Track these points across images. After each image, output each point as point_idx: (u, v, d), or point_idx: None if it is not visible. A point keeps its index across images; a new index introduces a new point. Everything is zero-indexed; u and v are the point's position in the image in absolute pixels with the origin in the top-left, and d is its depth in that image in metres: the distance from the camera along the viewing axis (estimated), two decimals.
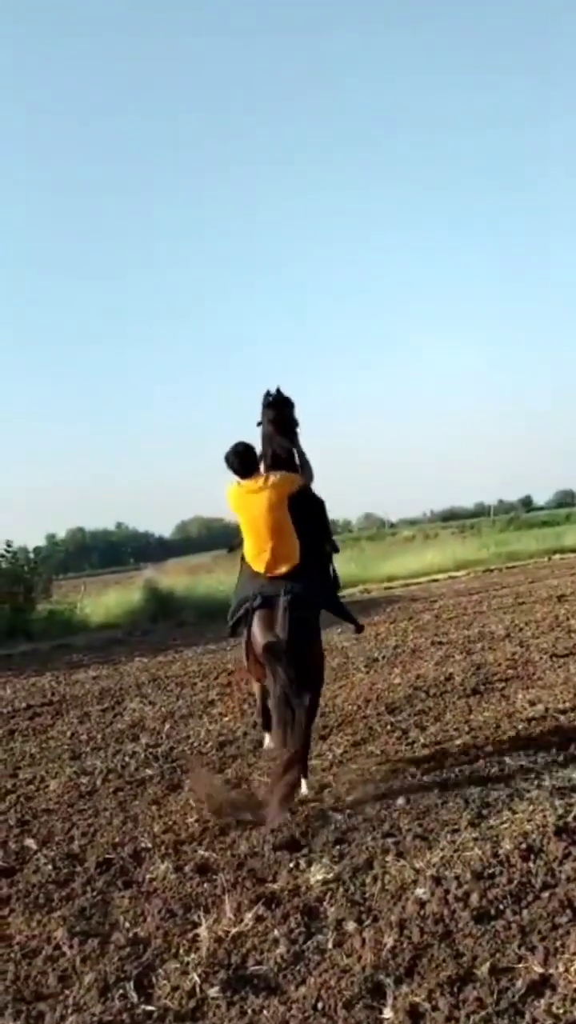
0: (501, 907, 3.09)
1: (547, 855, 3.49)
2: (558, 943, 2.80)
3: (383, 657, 8.85)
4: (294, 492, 4.65)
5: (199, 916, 3.23)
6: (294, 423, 4.92)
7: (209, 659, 10.38)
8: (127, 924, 3.29)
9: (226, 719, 6.83)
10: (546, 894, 3.17)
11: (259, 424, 4.87)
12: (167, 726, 6.83)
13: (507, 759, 4.85)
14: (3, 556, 15.82)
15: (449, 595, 15.25)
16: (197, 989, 2.73)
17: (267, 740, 5.10)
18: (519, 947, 2.80)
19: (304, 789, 4.57)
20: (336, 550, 5.14)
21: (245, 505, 4.65)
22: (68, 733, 7.03)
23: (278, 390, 4.88)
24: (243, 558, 4.84)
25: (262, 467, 4.77)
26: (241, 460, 4.67)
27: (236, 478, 4.70)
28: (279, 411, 4.84)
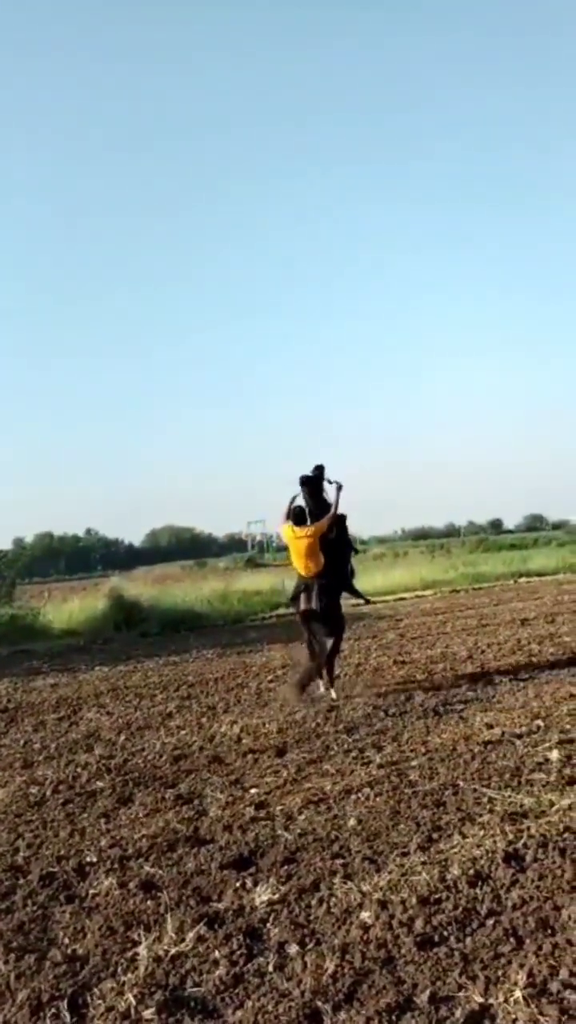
0: (445, 933, 3.06)
1: (494, 881, 3.47)
2: (499, 972, 2.77)
3: (345, 676, 8.82)
4: (324, 530, 7.54)
5: (140, 934, 3.17)
6: (320, 488, 7.77)
7: (170, 671, 10.29)
8: (66, 940, 3.22)
9: (183, 732, 6.75)
10: (491, 921, 3.14)
11: (302, 485, 7.73)
12: (122, 737, 6.75)
13: (461, 783, 4.84)
14: None
15: (415, 614, 15.29)
16: (132, 1010, 2.67)
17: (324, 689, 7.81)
18: (460, 975, 2.77)
19: (333, 694, 7.62)
20: (356, 551, 8.49)
21: (293, 540, 7.65)
22: (21, 741, 6.91)
23: (307, 476, 7.72)
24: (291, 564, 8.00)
25: (309, 518, 7.70)
26: (297, 518, 7.67)
27: (291, 523, 7.64)
28: (313, 486, 7.74)
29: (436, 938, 3.04)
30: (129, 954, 3.05)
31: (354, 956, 2.92)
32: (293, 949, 3.01)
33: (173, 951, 3.03)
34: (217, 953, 3.00)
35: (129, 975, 2.89)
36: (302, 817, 4.44)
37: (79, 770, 5.81)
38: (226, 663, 10.53)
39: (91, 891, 3.67)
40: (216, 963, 2.94)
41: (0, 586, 16.31)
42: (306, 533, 7.50)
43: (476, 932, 3.07)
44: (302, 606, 7.63)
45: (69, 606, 17.14)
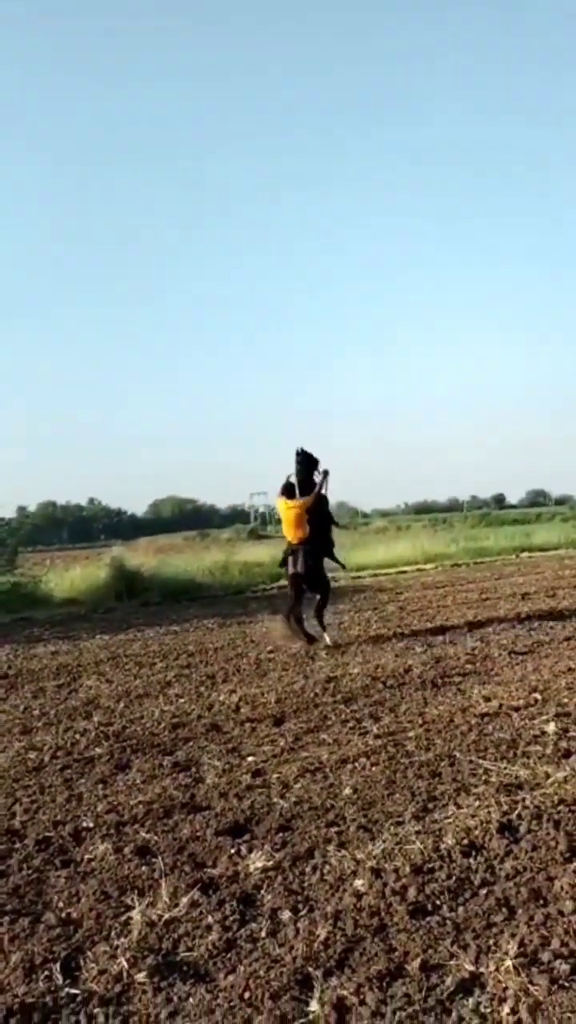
0: (438, 902, 3.07)
1: (488, 852, 3.48)
2: (491, 942, 2.78)
3: (344, 646, 8.83)
4: (309, 505, 8.85)
5: (133, 899, 3.19)
6: (312, 467, 9.03)
7: (170, 640, 10.31)
8: (60, 904, 3.23)
9: (181, 700, 6.77)
10: (484, 891, 3.15)
11: (295, 464, 8.99)
12: (121, 705, 6.77)
13: (457, 753, 4.85)
14: None
15: (415, 587, 15.29)
16: (124, 974, 2.69)
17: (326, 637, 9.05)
18: (452, 944, 2.78)
19: (327, 639, 8.96)
20: (336, 523, 9.87)
21: (285, 511, 9.01)
22: (21, 707, 6.94)
23: (302, 449, 8.97)
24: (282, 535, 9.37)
25: (297, 491, 8.98)
26: (289, 491, 9.01)
27: (284, 497, 9.02)
28: (303, 463, 8.99)
29: (429, 907, 3.05)
30: (123, 918, 3.06)
31: (346, 923, 2.93)
32: (286, 915, 3.02)
33: (166, 916, 3.04)
34: (210, 919, 3.02)
35: (122, 939, 2.91)
36: (298, 785, 4.45)
37: (77, 736, 5.83)
38: (226, 633, 10.54)
39: (86, 856, 3.69)
40: (209, 928, 2.95)
41: (2, 554, 16.28)
42: (296, 504, 8.87)
43: (468, 902, 3.08)
44: (291, 570, 9.01)
45: (71, 575, 17.13)
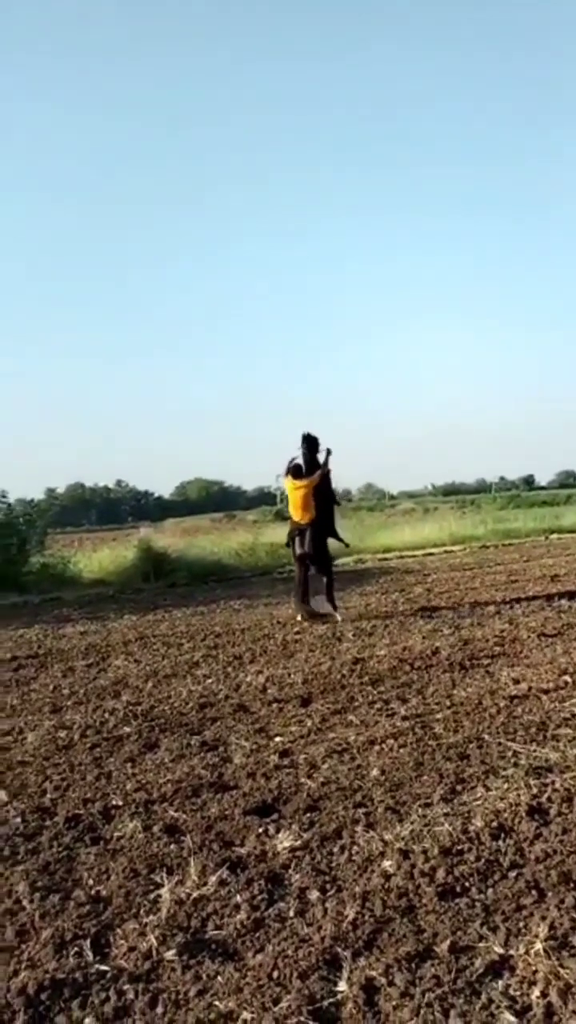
0: (467, 884, 3.06)
1: (517, 834, 3.46)
2: (520, 924, 2.76)
3: (371, 627, 8.81)
4: (315, 484, 9.21)
5: (162, 877, 3.20)
6: (316, 448, 9.39)
7: (198, 620, 10.35)
8: (90, 881, 3.26)
9: (209, 681, 6.79)
10: (513, 874, 3.13)
11: (300, 447, 9.43)
12: (150, 685, 6.81)
13: (486, 736, 4.82)
14: None
15: (443, 569, 15.21)
16: (154, 951, 2.70)
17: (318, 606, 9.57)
18: (481, 926, 2.77)
19: (339, 616, 9.34)
20: (338, 503, 10.00)
21: (292, 491, 9.35)
22: (51, 686, 7.00)
23: (308, 433, 9.43)
24: (290, 516, 9.73)
25: (304, 471, 9.38)
26: (295, 471, 9.34)
27: (291, 476, 9.35)
28: (309, 444, 9.39)
29: (458, 889, 3.04)
30: (152, 896, 3.08)
31: (375, 904, 2.93)
32: (314, 895, 3.02)
33: (195, 894, 3.06)
34: (239, 897, 3.03)
35: (152, 917, 2.93)
36: (325, 766, 4.45)
37: (107, 715, 5.87)
38: (253, 614, 10.56)
39: (115, 834, 3.72)
40: (237, 907, 2.96)
41: (31, 535, 16.39)
42: (303, 484, 9.22)
43: (498, 884, 3.06)
44: (298, 550, 9.34)
45: (99, 556, 17.27)
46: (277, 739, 5.04)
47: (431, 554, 19.39)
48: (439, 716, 5.30)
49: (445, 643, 7.68)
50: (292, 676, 6.72)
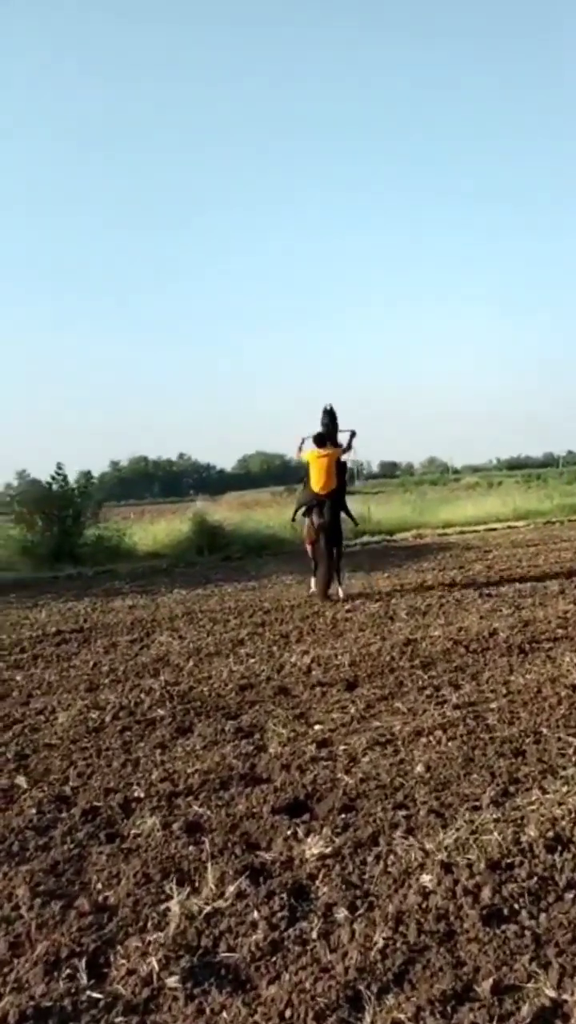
0: (516, 907, 2.68)
1: None
2: None
3: (426, 606, 8.40)
4: (337, 457, 9.48)
5: (173, 888, 2.89)
6: (336, 424, 9.71)
7: (247, 596, 10.07)
8: (98, 886, 2.97)
9: (252, 660, 6.49)
10: (570, 895, 2.74)
11: (322, 422, 9.71)
12: (191, 663, 6.54)
13: (544, 729, 4.41)
14: (53, 479, 15.66)
15: (505, 545, 14.64)
16: (155, 976, 2.39)
17: (313, 583, 9.81)
18: (531, 961, 2.39)
19: (341, 592, 9.46)
20: (349, 482, 10.45)
21: (316, 459, 9.42)
22: (91, 663, 6.79)
23: (330, 406, 9.75)
24: (305, 483, 9.76)
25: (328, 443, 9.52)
26: (320, 441, 9.45)
27: (315, 446, 9.44)
28: (331, 418, 9.72)
29: (505, 912, 2.66)
30: (161, 908, 2.78)
31: (409, 928, 2.57)
32: (341, 914, 2.68)
33: (209, 908, 2.74)
34: (256, 913, 2.70)
35: (158, 933, 2.62)
36: (366, 759, 4.10)
37: (142, 696, 5.61)
38: (303, 590, 10.23)
39: (133, 831, 3.43)
40: (254, 925, 2.64)
41: (86, 506, 16.29)
42: (326, 453, 9.40)
43: (552, 907, 2.68)
44: (316, 521, 9.37)
45: (155, 529, 17.13)
46: (317, 727, 4.71)
47: (493, 529, 18.76)
48: (493, 705, 4.89)
49: (504, 624, 7.23)
50: (339, 657, 6.37)
